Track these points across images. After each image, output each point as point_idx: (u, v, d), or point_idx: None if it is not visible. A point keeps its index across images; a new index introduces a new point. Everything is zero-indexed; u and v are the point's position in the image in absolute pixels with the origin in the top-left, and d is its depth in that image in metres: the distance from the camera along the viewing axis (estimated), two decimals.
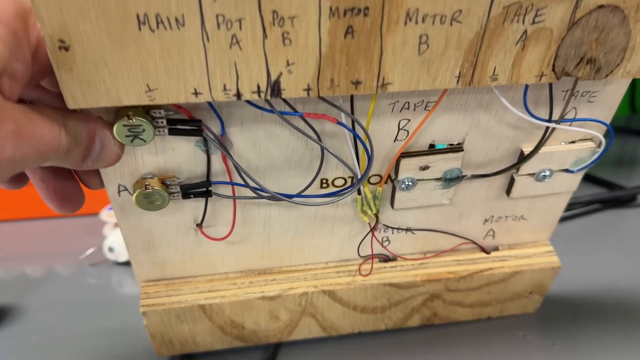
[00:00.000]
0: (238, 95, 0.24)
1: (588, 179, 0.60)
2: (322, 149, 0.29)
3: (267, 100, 0.26)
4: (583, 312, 0.43)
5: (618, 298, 0.44)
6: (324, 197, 0.31)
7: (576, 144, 0.32)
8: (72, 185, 0.29)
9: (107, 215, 0.49)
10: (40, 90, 0.26)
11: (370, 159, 0.28)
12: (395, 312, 0.40)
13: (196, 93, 0.24)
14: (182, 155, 0.29)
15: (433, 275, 0.37)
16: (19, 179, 0.29)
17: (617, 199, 0.54)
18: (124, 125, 0.25)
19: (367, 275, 0.37)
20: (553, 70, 0.25)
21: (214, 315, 0.36)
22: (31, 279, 0.48)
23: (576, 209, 0.53)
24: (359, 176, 0.30)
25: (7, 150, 0.21)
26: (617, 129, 0.71)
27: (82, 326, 0.42)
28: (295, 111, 0.27)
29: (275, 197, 0.30)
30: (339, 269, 0.37)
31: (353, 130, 0.27)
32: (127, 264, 0.49)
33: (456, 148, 0.31)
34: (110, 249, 0.48)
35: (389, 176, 0.32)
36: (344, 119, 0.27)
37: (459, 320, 0.42)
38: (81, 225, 0.53)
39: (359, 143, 0.29)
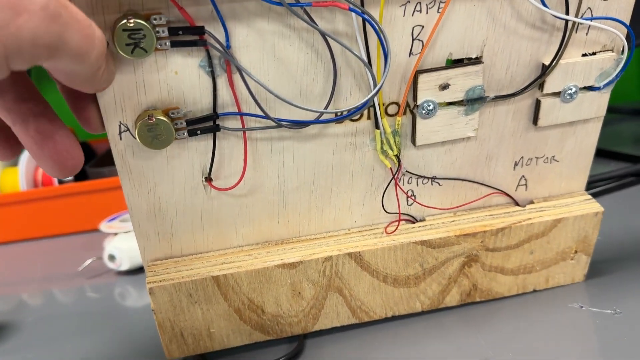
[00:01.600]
0: None
1: (614, 156, 0.59)
2: (334, 61, 0.28)
3: None
4: (635, 278, 0.39)
5: None
6: (342, 117, 0.29)
7: (597, 55, 0.31)
8: (69, 139, 0.26)
9: (106, 227, 0.46)
10: None
11: (386, 55, 0.27)
12: (431, 285, 0.35)
13: None
14: (186, 81, 0.27)
15: (467, 229, 0.34)
16: (11, 142, 0.26)
17: None
18: (124, 30, 0.24)
19: (393, 232, 0.33)
20: None
21: (229, 291, 0.32)
22: (32, 296, 0.45)
23: (610, 183, 0.51)
24: (374, 86, 0.28)
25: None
26: (632, 112, 0.73)
27: (84, 342, 0.38)
28: (300, 1, 0.25)
29: (291, 123, 0.28)
30: (364, 233, 0.34)
31: (367, 17, 0.26)
32: (129, 272, 0.46)
33: (475, 60, 0.29)
34: (111, 257, 0.44)
35: (408, 105, 0.30)
36: (353, 18, 0.26)
37: (502, 294, 0.37)
38: (81, 242, 0.50)
39: (372, 50, 0.27)
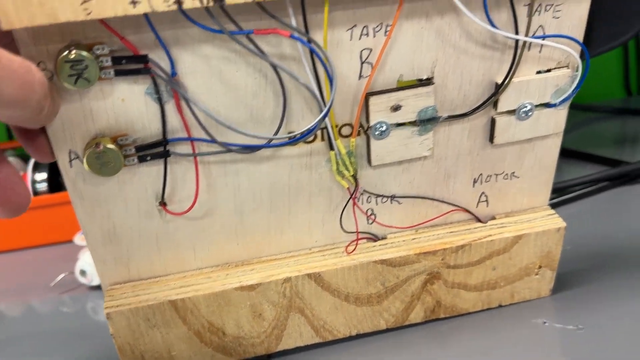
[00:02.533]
0: (178, 2, 0.23)
1: (591, 159, 0.58)
2: (283, 88, 0.28)
3: (209, 12, 0.24)
4: (602, 290, 0.38)
5: (637, 271, 0.40)
6: (294, 140, 0.29)
7: (552, 72, 0.31)
8: (13, 177, 0.25)
9: (80, 239, 0.47)
10: None
11: (331, 80, 0.27)
12: (394, 302, 0.35)
13: (134, 2, 0.22)
14: (133, 108, 0.27)
15: (427, 247, 0.34)
16: None
17: (625, 175, 0.52)
18: (66, 62, 0.24)
19: (353, 251, 0.33)
20: None
21: (188, 315, 0.32)
22: (5, 311, 0.45)
23: (583, 188, 0.51)
24: (323, 108, 0.28)
25: None
26: (615, 111, 0.72)
27: (58, 358, 0.38)
28: (242, 29, 0.25)
29: (241, 147, 0.28)
30: (325, 253, 0.34)
31: (309, 44, 0.26)
32: (100, 287, 0.45)
33: (426, 82, 0.29)
34: (82, 273, 0.44)
35: (361, 125, 0.30)
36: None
37: (467, 310, 0.37)
38: (54, 255, 0.50)
39: (319, 72, 0.27)
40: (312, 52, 0.26)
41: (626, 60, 0.81)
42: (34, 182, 0.53)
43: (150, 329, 0.32)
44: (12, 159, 0.63)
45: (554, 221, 0.35)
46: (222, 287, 0.32)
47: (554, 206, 0.49)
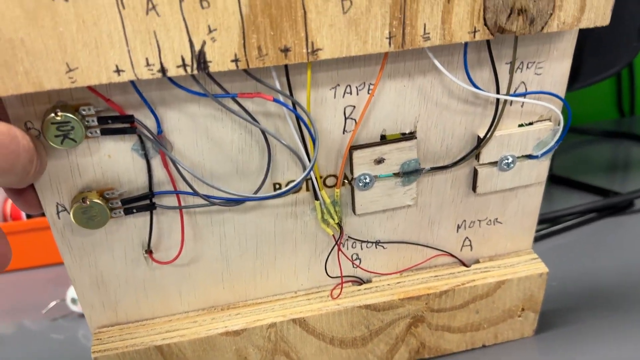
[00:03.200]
0: (162, 70, 0.23)
1: (581, 187, 0.58)
2: (268, 144, 0.28)
3: (194, 78, 0.25)
4: (586, 331, 0.39)
5: (622, 309, 0.40)
6: (277, 196, 0.29)
7: (534, 125, 0.31)
8: None
9: None
10: None
11: (314, 140, 0.27)
12: (379, 345, 0.36)
13: (118, 70, 0.23)
14: (119, 163, 0.27)
15: (411, 292, 0.34)
16: None
17: (613, 206, 0.52)
18: (52, 123, 0.24)
19: (338, 297, 0.34)
20: (485, 24, 0.25)
21: (174, 357, 0.33)
22: None
23: (571, 219, 0.51)
24: (308, 165, 0.28)
25: None
26: (606, 133, 0.72)
27: None
28: (227, 92, 0.26)
29: (225, 201, 0.29)
30: (310, 297, 0.34)
31: (293, 109, 0.26)
32: None
33: (409, 136, 0.30)
34: (73, 301, 0.45)
35: (345, 176, 0.31)
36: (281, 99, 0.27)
37: (451, 350, 0.38)
38: (47, 277, 0.50)
39: (304, 129, 0.28)
40: (295, 108, 0.27)
41: (619, 81, 0.81)
42: None
43: None
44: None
45: (537, 266, 0.36)
46: (208, 333, 0.32)
47: (541, 237, 0.50)
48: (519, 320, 0.37)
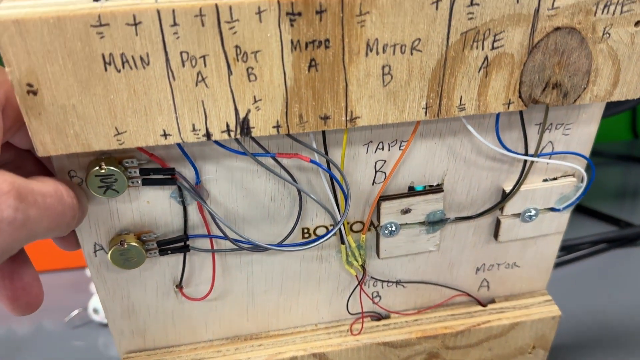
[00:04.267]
0: (208, 135, 0.24)
1: (591, 214, 0.58)
2: (300, 193, 0.29)
3: (237, 140, 0.26)
4: None
5: (631, 344, 0.41)
6: (305, 244, 0.30)
7: (558, 181, 0.32)
8: (31, 277, 0.26)
9: None
10: (11, 150, 0.26)
11: (347, 198, 0.28)
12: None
13: (165, 135, 0.24)
14: (157, 208, 0.28)
15: (428, 331, 0.35)
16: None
17: (625, 238, 0.53)
18: (96, 176, 0.25)
19: (358, 334, 0.35)
20: (520, 97, 0.26)
21: None
22: (14, 341, 0.46)
23: (580, 250, 0.52)
24: (338, 218, 0.29)
25: (4, 212, 0.19)
26: (619, 157, 0.71)
27: None
28: (267, 152, 0.27)
29: (254, 247, 0.30)
30: (330, 330, 0.36)
31: (328, 169, 0.27)
32: None
33: (436, 189, 0.31)
34: (95, 311, 0.46)
35: (372, 223, 0.32)
36: (317, 158, 0.27)
37: None
38: (67, 281, 0.52)
39: (336, 184, 0.28)
40: (329, 164, 0.28)
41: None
42: None
43: None
44: None
45: (550, 309, 0.37)
46: None
47: None
48: (529, 357, 0.39)
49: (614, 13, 0.24)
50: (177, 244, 0.30)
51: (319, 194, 0.29)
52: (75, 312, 0.48)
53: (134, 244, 0.28)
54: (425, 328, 0.36)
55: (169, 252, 0.30)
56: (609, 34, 0.25)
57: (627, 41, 0.25)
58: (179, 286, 0.32)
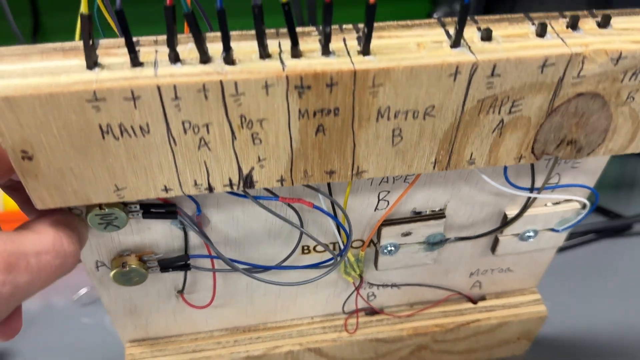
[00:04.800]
0: (210, 188, 0.23)
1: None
2: (301, 222, 0.29)
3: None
4: (576, 353, 0.43)
5: (614, 337, 0.44)
6: (303, 283, 0.31)
7: (561, 205, 0.32)
8: (15, 313, 0.26)
9: None
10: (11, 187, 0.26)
11: (348, 237, 0.28)
12: (380, 354, 0.39)
13: (166, 189, 0.23)
14: (158, 233, 0.28)
15: (420, 329, 0.37)
16: None
17: (613, 229, 0.53)
18: (96, 215, 0.25)
19: (353, 332, 0.37)
20: (532, 152, 0.25)
21: None
22: (23, 318, 0.47)
23: (569, 240, 0.52)
24: (341, 249, 0.29)
25: None
26: None
27: None
28: (271, 195, 0.26)
29: (254, 271, 0.30)
30: (325, 325, 0.37)
31: (332, 215, 0.27)
32: None
33: (438, 215, 0.31)
34: None
35: (372, 240, 0.32)
36: (320, 198, 0.27)
37: None
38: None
39: (338, 211, 0.28)
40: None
41: None
42: None
43: None
44: None
45: (539, 309, 0.38)
46: (231, 357, 0.36)
47: None
48: (513, 345, 0.41)
49: None
50: (178, 263, 0.30)
51: (322, 221, 0.29)
52: (84, 290, 0.49)
53: (135, 266, 0.29)
54: (416, 325, 0.37)
55: (170, 270, 0.30)
56: (633, 98, 0.23)
57: None
58: (181, 292, 0.33)
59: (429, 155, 0.24)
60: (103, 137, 0.21)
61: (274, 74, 0.20)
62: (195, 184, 0.23)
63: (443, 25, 0.22)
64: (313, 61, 0.20)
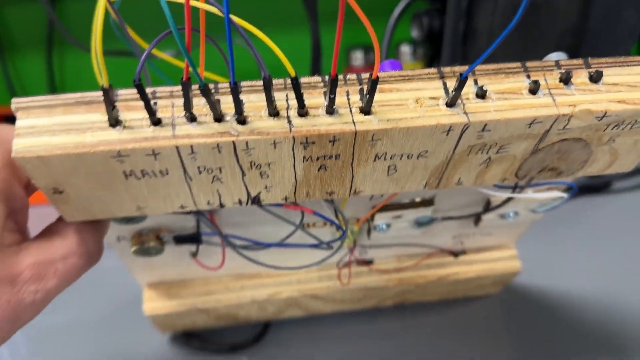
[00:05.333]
0: (221, 205, 0.26)
1: None
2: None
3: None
4: (547, 298, 0.48)
5: (584, 285, 0.48)
6: (305, 267, 0.35)
7: (542, 193, 0.35)
8: None
9: None
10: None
11: (344, 233, 0.31)
12: (370, 300, 0.45)
13: (182, 207, 0.26)
14: (174, 217, 0.31)
15: (405, 280, 0.42)
16: None
17: (593, 186, 0.55)
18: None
19: (346, 283, 0.41)
20: (516, 175, 0.27)
21: (210, 312, 0.41)
22: None
23: None
24: (342, 231, 0.33)
25: (27, 299, 0.23)
26: None
27: (96, 307, 0.48)
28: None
29: (261, 245, 0.34)
30: (321, 274, 0.42)
31: (332, 220, 0.30)
32: None
33: (427, 202, 0.33)
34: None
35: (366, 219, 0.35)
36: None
37: (429, 301, 0.47)
38: None
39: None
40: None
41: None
42: None
43: (181, 319, 0.41)
44: None
45: (513, 264, 0.43)
46: (239, 300, 0.40)
47: None
48: (488, 288, 0.46)
49: (623, 128, 0.24)
50: (191, 238, 0.33)
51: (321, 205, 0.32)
52: None
53: (153, 244, 0.32)
54: (402, 277, 0.42)
55: (184, 243, 0.34)
56: (614, 140, 0.25)
57: (630, 143, 0.26)
58: (195, 256, 0.36)
59: (420, 180, 0.26)
60: (126, 178, 0.23)
61: (282, 135, 0.22)
62: (209, 203, 0.26)
63: (442, 76, 0.23)
64: (318, 120, 0.22)
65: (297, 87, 0.21)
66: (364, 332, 0.46)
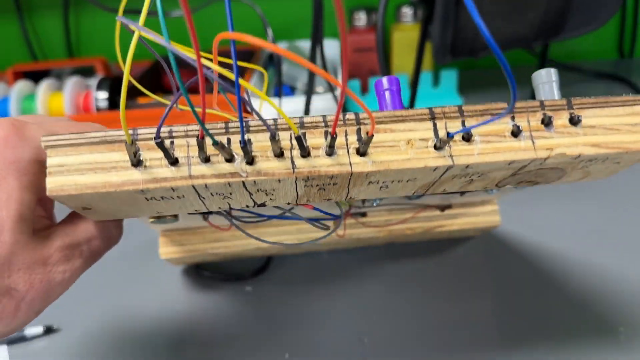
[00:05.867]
0: (230, 209, 0.29)
1: None
2: None
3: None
4: (525, 242, 0.52)
5: (557, 230, 0.53)
6: (306, 243, 0.38)
7: None
8: None
9: None
10: None
11: (340, 218, 0.35)
12: (363, 244, 0.49)
13: (196, 211, 0.29)
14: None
15: (394, 232, 0.46)
16: None
17: None
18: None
19: (342, 236, 0.46)
20: (496, 186, 0.30)
21: (219, 255, 0.46)
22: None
23: None
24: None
25: (57, 278, 0.27)
26: (603, 75, 0.71)
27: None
28: None
29: (265, 217, 0.37)
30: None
31: (332, 214, 0.33)
32: None
33: None
34: None
35: None
36: None
37: (413, 242, 0.52)
38: None
39: None
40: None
41: (622, 21, 0.70)
42: (96, 99, 0.56)
43: (192, 260, 0.46)
44: (75, 78, 0.61)
45: (493, 219, 0.47)
46: (244, 248, 0.45)
47: None
48: (470, 233, 0.50)
49: (595, 162, 0.27)
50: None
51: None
52: None
53: (170, 218, 0.36)
54: (391, 229, 0.46)
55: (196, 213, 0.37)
56: (587, 167, 0.28)
57: (601, 168, 0.28)
58: (207, 219, 0.40)
59: (410, 191, 0.29)
60: (147, 201, 0.26)
61: (286, 174, 0.24)
62: (219, 208, 0.29)
63: (432, 117, 0.25)
64: (318, 162, 0.24)
65: (300, 142, 0.23)
66: (357, 267, 0.51)
